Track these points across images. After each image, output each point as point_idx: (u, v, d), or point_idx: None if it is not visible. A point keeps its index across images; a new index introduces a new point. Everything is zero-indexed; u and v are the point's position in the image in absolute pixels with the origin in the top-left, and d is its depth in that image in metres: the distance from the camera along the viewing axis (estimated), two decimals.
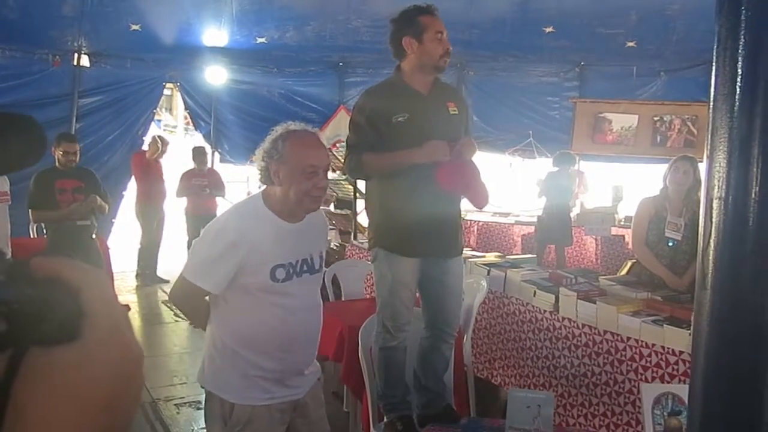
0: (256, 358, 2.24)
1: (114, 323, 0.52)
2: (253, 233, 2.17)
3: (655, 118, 8.75)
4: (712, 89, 0.80)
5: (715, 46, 0.79)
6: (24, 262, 0.53)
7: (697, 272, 0.80)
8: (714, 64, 0.79)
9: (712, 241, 0.77)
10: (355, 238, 6.19)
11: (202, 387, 2.38)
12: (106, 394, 0.50)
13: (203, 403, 4.39)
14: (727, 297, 0.77)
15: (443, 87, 3.13)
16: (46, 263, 0.52)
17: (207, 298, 2.30)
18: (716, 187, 0.77)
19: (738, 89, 0.74)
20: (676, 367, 3.14)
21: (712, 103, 0.79)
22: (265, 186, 2.31)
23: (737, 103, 0.75)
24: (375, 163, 2.91)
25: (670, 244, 4.02)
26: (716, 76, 0.79)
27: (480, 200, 3.09)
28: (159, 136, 8.22)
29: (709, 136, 0.80)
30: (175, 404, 4.50)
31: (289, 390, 2.33)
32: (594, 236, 7.36)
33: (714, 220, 0.77)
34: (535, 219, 8.13)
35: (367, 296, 4.89)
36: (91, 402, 0.49)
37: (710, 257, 0.78)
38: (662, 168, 4.38)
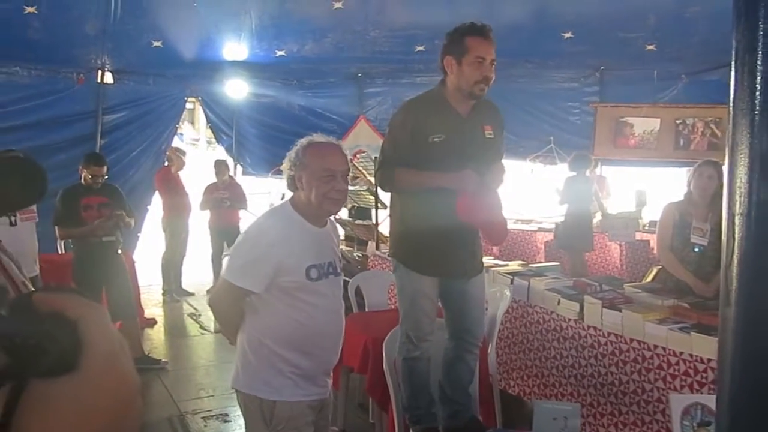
0: (292, 355, 2.36)
1: (111, 353, 0.54)
2: (289, 235, 2.34)
3: (678, 122, 8.67)
4: (731, 104, 0.79)
5: (732, 61, 0.79)
6: (26, 297, 0.55)
7: (720, 289, 0.79)
8: (732, 78, 0.79)
9: (735, 257, 0.77)
10: (377, 248, 6.19)
11: (237, 391, 2.47)
12: (104, 422, 0.52)
13: (232, 414, 4.42)
14: (751, 313, 0.77)
15: (483, 107, 3.05)
16: (48, 298, 0.54)
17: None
18: (738, 203, 0.76)
19: (757, 104, 0.74)
20: (704, 375, 3.10)
21: (731, 118, 0.79)
22: (292, 193, 2.48)
23: (757, 118, 0.74)
24: (406, 179, 2.91)
25: (696, 249, 3.98)
26: (735, 90, 0.78)
27: (496, 237, 3.07)
28: (175, 148, 8.31)
29: (729, 151, 0.80)
30: (202, 417, 4.53)
31: (319, 389, 2.47)
32: (618, 242, 7.29)
33: (736, 236, 0.76)
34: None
35: (391, 306, 4.88)
36: (91, 431, 0.51)
37: (734, 273, 0.77)
38: (686, 172, 4.34)
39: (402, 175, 2.89)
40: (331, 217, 2.66)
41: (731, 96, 0.79)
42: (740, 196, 0.76)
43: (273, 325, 2.38)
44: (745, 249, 0.76)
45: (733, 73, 0.78)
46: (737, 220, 0.76)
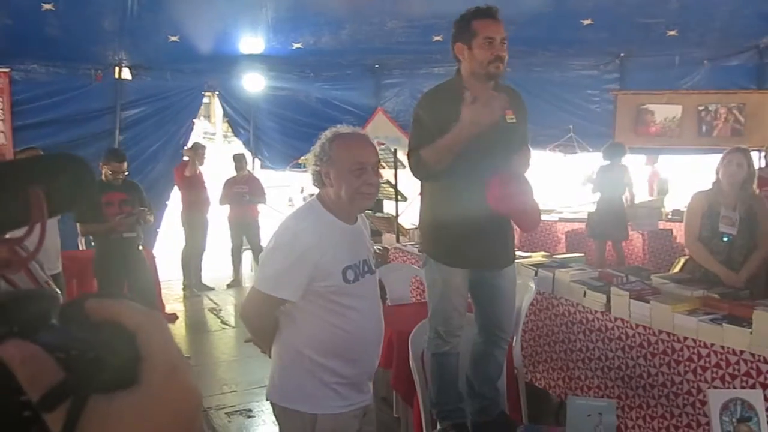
0: (333, 363, 2.23)
1: (172, 366, 0.51)
2: (322, 237, 2.19)
3: (700, 108, 8.54)
4: None
5: None
6: (77, 303, 0.51)
7: None
8: None
9: None
10: (398, 241, 6.16)
11: (275, 404, 2.33)
12: None
13: (255, 409, 4.41)
14: None
15: (503, 93, 2.98)
16: (101, 306, 0.51)
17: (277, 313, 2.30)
18: None
19: None
20: (737, 367, 3.04)
21: None
22: (318, 190, 2.34)
23: None
24: (432, 152, 2.81)
25: (725, 239, 3.90)
26: None
27: (528, 224, 3.00)
28: (196, 143, 8.32)
29: None
30: (225, 413, 4.53)
31: (363, 395, 2.35)
32: (641, 231, 7.20)
33: None
34: (579, 215, 8.02)
35: (413, 300, 4.85)
36: None
37: None
38: (709, 159, 4.27)
39: (427, 152, 2.82)
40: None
41: None
42: None
43: (312, 333, 2.23)
44: None
45: None
46: None
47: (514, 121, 2.89)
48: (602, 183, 7.03)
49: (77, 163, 0.71)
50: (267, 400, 2.40)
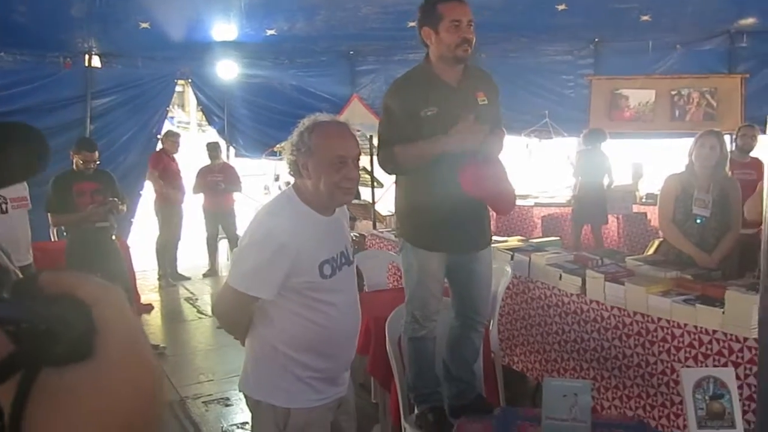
0: (307, 359, 2.19)
1: (129, 339, 0.50)
2: (299, 231, 2.12)
3: (673, 93, 8.61)
4: None
5: None
6: (32, 278, 0.50)
7: (762, 274, 0.74)
8: None
9: None
10: (374, 227, 6.15)
11: (247, 396, 2.30)
12: (124, 413, 0.48)
13: (233, 398, 4.39)
14: None
15: (474, 75, 3.00)
16: (56, 279, 0.50)
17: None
18: None
19: None
20: (709, 346, 3.08)
21: None
22: (294, 180, 2.26)
23: None
24: (406, 154, 2.82)
25: (698, 221, 3.94)
26: None
27: (502, 207, 3.00)
28: (169, 131, 8.23)
29: None
30: (203, 401, 4.51)
31: (338, 388, 2.32)
32: (616, 215, 7.28)
33: None
34: (554, 200, 8.09)
35: (390, 286, 4.85)
36: (109, 422, 0.47)
37: None
38: (682, 143, 4.30)
39: (402, 152, 2.82)
40: None
41: None
42: None
43: (287, 328, 2.18)
44: None
45: None
46: None
47: (486, 102, 2.89)
48: (583, 167, 7.10)
49: (29, 133, 0.69)
50: (239, 391, 2.38)
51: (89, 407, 0.46)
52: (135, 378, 0.49)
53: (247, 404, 2.35)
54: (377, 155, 3.01)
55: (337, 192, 2.15)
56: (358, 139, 2.31)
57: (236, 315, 2.25)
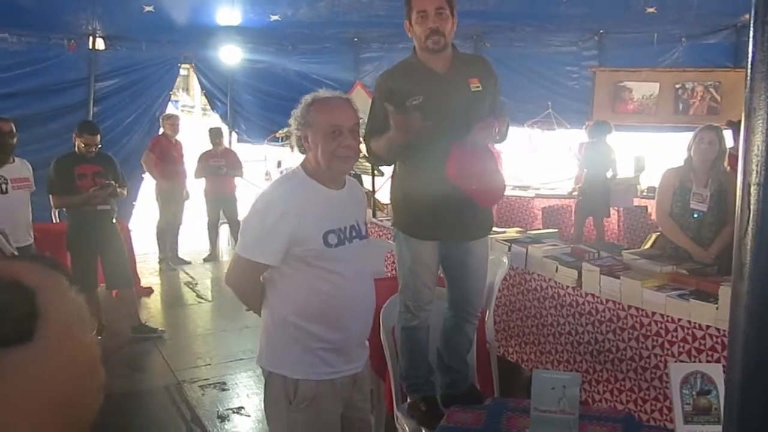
0: (317, 329, 2.24)
1: (68, 324, 0.53)
2: (300, 201, 2.20)
3: (677, 86, 8.59)
4: (749, 67, 0.75)
5: (751, 20, 0.74)
6: None
7: (734, 263, 0.75)
8: (750, 39, 0.74)
9: (750, 229, 0.73)
10: (374, 216, 6.15)
11: (262, 368, 2.36)
12: (61, 393, 0.51)
13: (229, 382, 4.43)
14: (765, 288, 0.73)
15: (466, 61, 2.96)
16: (3, 266, 0.53)
17: (261, 279, 2.31)
18: (754, 172, 0.72)
19: None
20: (703, 341, 3.10)
21: (749, 82, 0.75)
22: (303, 156, 2.33)
23: None
24: (376, 148, 2.84)
25: (696, 215, 3.95)
26: (753, 52, 0.74)
27: (487, 199, 2.93)
28: (167, 113, 8.22)
29: (745, 118, 0.75)
30: (200, 386, 4.54)
31: (352, 363, 2.35)
32: (616, 207, 7.28)
33: (752, 207, 0.72)
34: (555, 191, 8.09)
35: (388, 274, 4.86)
36: (43, 403, 0.50)
37: (748, 247, 0.73)
38: (685, 136, 4.29)
39: (374, 146, 2.84)
40: (352, 177, 2.50)
41: (749, 58, 0.74)
42: (757, 165, 0.72)
43: (296, 299, 2.24)
44: (760, 221, 0.72)
45: (751, 33, 0.73)
46: (753, 190, 0.72)
47: (480, 89, 2.84)
48: (588, 160, 7.10)
49: None
50: (257, 364, 2.42)
51: (24, 388, 0.49)
52: (71, 362, 0.52)
53: (264, 377, 2.38)
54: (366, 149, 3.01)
55: (336, 161, 2.22)
56: (357, 111, 2.33)
57: (247, 283, 2.33)
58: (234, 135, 9.05)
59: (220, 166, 8.04)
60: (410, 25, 2.83)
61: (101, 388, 0.55)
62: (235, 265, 2.29)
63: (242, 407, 4.23)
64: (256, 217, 2.23)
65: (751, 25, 0.73)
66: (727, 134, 4.08)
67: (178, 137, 7.93)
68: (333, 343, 2.27)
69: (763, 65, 0.71)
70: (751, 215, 0.72)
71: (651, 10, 7.72)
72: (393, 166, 3.05)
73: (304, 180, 2.26)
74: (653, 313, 3.30)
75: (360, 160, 7.21)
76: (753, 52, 0.73)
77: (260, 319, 2.40)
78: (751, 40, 0.73)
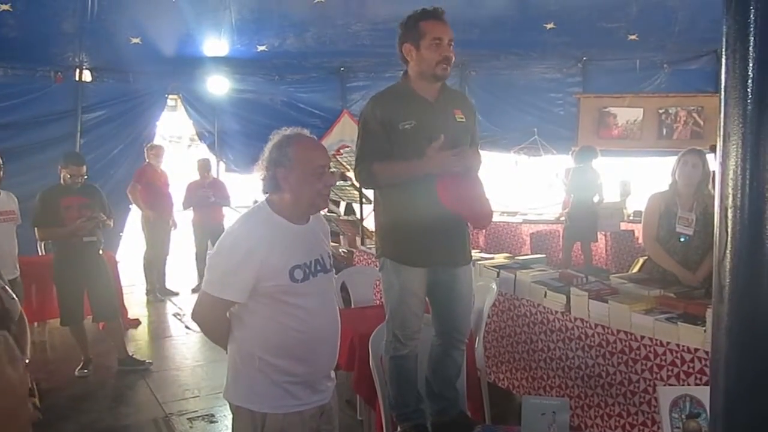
0: (284, 363, 2.25)
1: None
2: (266, 238, 2.21)
3: (661, 111, 8.71)
4: (722, 93, 0.76)
5: (723, 49, 0.76)
6: None
7: (714, 285, 0.76)
8: (723, 67, 0.76)
9: (728, 252, 0.74)
10: (362, 243, 6.16)
11: (229, 402, 2.36)
12: None
13: (218, 414, 4.38)
14: (745, 310, 0.74)
15: (451, 93, 3.04)
16: None
17: (228, 314, 2.31)
18: (730, 196, 0.73)
19: (750, 93, 0.71)
20: (691, 364, 3.10)
21: (722, 108, 0.76)
22: (268, 194, 2.33)
23: (750, 108, 0.71)
24: (386, 173, 2.85)
25: (682, 239, 3.97)
26: (726, 79, 0.75)
27: (478, 221, 3.00)
28: (151, 144, 8.21)
29: (721, 142, 0.77)
30: (188, 418, 4.48)
31: (319, 395, 2.35)
32: (603, 232, 7.31)
33: (729, 230, 0.73)
34: (543, 217, 8.12)
35: (377, 302, 4.85)
36: None
37: (727, 269, 0.74)
38: (669, 161, 4.33)
39: (381, 170, 2.85)
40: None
41: (722, 85, 0.76)
42: (733, 189, 0.73)
43: (261, 333, 2.25)
44: (738, 244, 0.73)
45: (723, 61, 0.75)
46: (730, 213, 0.73)
47: (464, 119, 2.93)
48: (575, 185, 7.14)
49: None
50: (224, 397, 2.41)
51: None
52: None
53: (232, 411, 2.38)
54: (354, 170, 3.03)
55: (318, 199, 2.30)
56: (343, 151, 2.42)
57: (213, 320, 2.33)
58: (222, 165, 9.06)
59: (208, 195, 8.04)
60: (416, 50, 2.86)
61: (29, 426, 0.55)
62: (202, 302, 2.29)
63: None
64: (222, 254, 2.25)
65: (723, 53, 0.75)
66: (711, 158, 4.11)
67: (163, 167, 7.93)
68: (300, 377, 2.28)
69: (735, 92, 0.73)
70: (729, 238, 0.73)
71: (633, 37, 7.86)
72: (374, 194, 3.08)
73: (270, 216, 2.27)
74: (642, 337, 3.30)
75: (347, 188, 7.26)
76: (726, 79, 0.75)
77: (228, 354, 2.39)
78: (723, 67, 0.75)
